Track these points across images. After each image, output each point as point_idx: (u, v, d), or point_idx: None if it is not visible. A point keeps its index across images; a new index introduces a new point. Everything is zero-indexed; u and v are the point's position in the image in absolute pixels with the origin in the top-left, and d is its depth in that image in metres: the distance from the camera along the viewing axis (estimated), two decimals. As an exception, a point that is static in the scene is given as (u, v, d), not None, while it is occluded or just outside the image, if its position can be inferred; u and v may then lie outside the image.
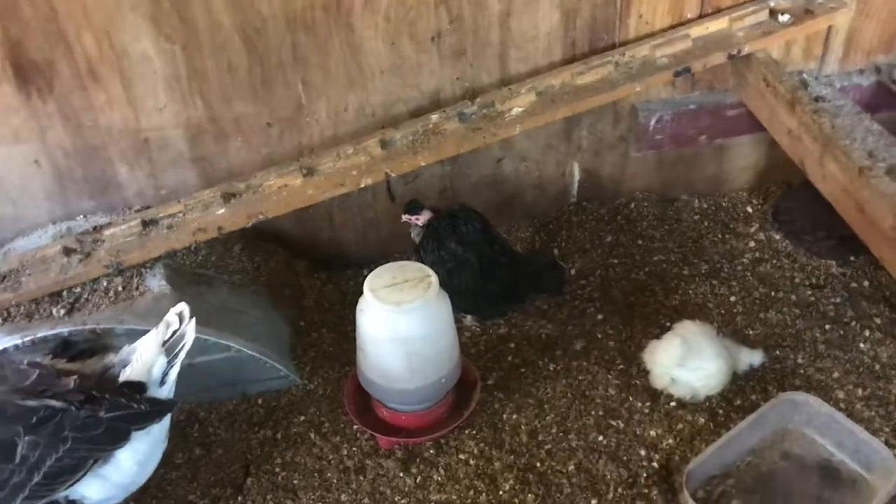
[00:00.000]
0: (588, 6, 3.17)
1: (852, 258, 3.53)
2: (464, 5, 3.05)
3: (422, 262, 2.96)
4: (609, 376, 3.15)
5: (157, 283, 2.95)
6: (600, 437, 2.95)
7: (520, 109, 3.16)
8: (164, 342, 2.46)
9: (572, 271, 3.60)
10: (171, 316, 2.50)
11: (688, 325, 3.04)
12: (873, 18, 3.40)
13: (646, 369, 3.09)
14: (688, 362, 2.94)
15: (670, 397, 3.05)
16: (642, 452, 2.91)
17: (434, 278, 2.73)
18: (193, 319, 2.49)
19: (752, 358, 3.01)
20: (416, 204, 3.19)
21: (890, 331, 3.23)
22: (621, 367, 3.19)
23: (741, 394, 3.06)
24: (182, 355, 2.48)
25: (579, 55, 3.29)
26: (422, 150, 3.10)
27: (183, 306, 2.51)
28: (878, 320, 3.29)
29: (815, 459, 2.87)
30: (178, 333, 2.47)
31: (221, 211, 3.01)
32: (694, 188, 3.89)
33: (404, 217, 3.19)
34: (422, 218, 3.17)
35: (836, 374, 3.11)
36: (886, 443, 2.83)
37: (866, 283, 3.45)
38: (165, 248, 2.97)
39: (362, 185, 3.08)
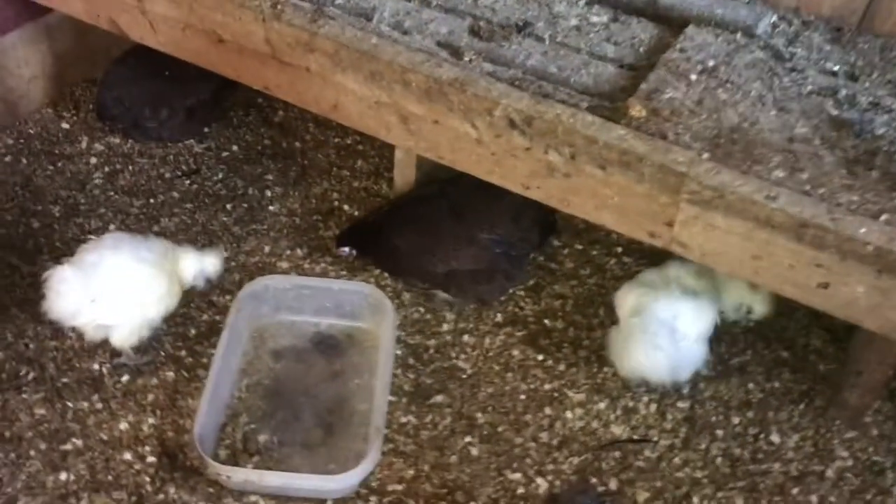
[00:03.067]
0: None
1: (206, 129, 3.06)
2: None
3: None
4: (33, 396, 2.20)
5: None
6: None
7: None
8: None
9: None
10: None
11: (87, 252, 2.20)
12: None
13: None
14: (99, 298, 2.13)
15: (119, 370, 2.27)
16: (127, 456, 2.12)
17: None
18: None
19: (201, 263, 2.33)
20: None
21: (284, 180, 2.92)
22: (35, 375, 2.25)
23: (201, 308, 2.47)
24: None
25: None
26: None
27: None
28: (270, 176, 2.95)
29: (305, 340, 2.46)
30: None
31: None
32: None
33: None
34: None
35: (283, 247, 2.69)
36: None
37: (235, 147, 3.05)
38: None
39: None
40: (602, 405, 2.35)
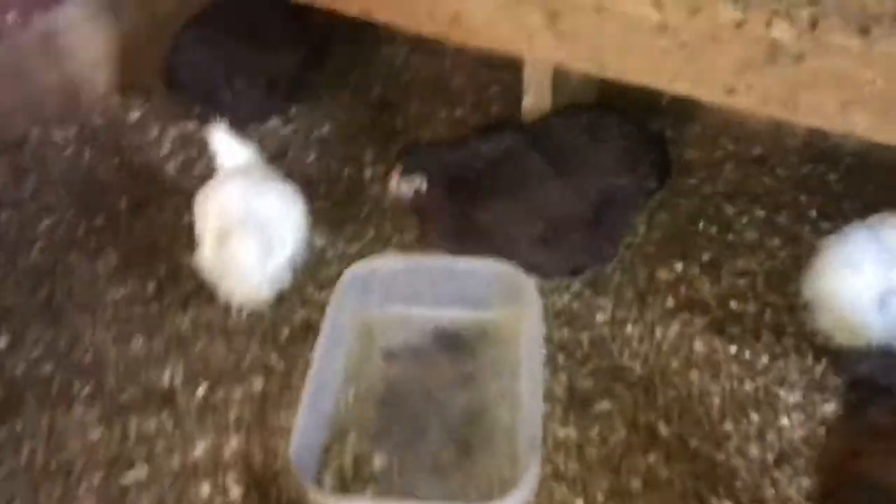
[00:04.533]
0: None
1: (292, 110, 2.60)
2: None
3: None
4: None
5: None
6: None
7: None
8: None
9: None
10: None
11: None
12: None
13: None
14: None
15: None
16: (206, 489, 1.62)
17: None
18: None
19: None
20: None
21: (385, 158, 2.42)
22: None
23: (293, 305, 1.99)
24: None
25: None
26: None
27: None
28: (368, 156, 2.46)
29: (428, 338, 1.93)
30: None
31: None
32: (43, 115, 2.50)
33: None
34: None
35: (388, 230, 2.20)
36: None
37: (326, 128, 2.56)
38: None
39: None
40: (828, 407, 1.75)
